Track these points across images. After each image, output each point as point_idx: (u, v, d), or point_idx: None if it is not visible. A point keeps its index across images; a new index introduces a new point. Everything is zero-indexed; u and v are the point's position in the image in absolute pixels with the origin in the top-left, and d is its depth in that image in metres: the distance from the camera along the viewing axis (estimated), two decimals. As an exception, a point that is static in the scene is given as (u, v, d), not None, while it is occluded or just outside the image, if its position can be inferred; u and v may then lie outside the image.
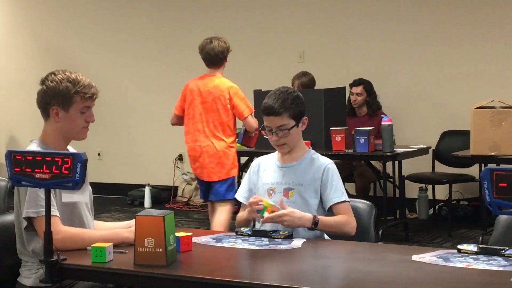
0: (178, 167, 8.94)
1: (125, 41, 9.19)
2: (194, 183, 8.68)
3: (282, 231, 3.27)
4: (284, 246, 3.11)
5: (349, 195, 3.57)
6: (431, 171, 7.53)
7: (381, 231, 6.34)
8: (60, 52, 9.51)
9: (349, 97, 7.44)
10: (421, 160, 7.27)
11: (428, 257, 2.88)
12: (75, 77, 3.18)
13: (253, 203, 3.30)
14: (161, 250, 2.75)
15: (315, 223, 3.27)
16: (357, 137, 6.41)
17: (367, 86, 7.43)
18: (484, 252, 2.88)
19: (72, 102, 3.17)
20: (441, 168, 7.47)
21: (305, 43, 8.29)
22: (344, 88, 7.24)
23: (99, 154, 9.37)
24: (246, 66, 8.53)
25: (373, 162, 7.04)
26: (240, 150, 7.34)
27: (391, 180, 7.13)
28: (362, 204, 3.59)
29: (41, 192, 3.01)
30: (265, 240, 3.19)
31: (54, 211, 3.02)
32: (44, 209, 2.86)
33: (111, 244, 2.88)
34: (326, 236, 3.43)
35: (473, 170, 7.02)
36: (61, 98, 3.16)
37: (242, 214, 3.46)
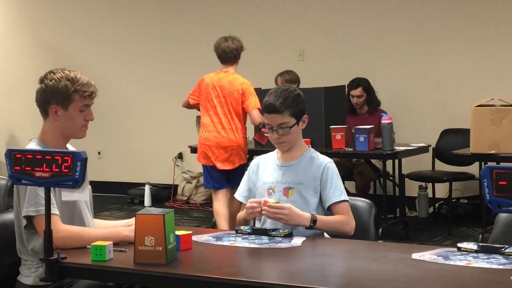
0: (178, 165, 8.94)
1: (125, 40, 9.20)
2: (194, 182, 8.69)
3: (282, 229, 3.27)
4: (284, 244, 3.11)
5: (349, 194, 3.58)
6: (431, 169, 7.53)
7: (381, 230, 6.34)
8: (60, 51, 9.52)
9: (348, 95, 7.43)
10: (421, 159, 7.28)
11: (428, 255, 2.88)
12: (74, 76, 3.18)
13: (250, 207, 3.31)
14: (161, 249, 2.75)
15: (313, 222, 3.27)
16: (357, 135, 6.41)
17: (365, 85, 7.39)
18: (484, 250, 2.88)
19: (71, 101, 3.17)
20: (441, 166, 7.47)
21: (305, 41, 8.29)
22: (344, 86, 7.24)
23: (99, 153, 9.37)
24: (246, 65, 8.50)
25: (373, 161, 7.04)
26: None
27: (391, 178, 7.14)
28: (362, 202, 3.59)
29: (40, 191, 3.01)
30: (265, 239, 3.19)
31: (54, 210, 3.02)
32: (43, 207, 2.86)
33: (111, 242, 2.88)
34: (326, 235, 3.43)
35: (473, 168, 7.02)
36: (60, 97, 3.16)
37: (241, 214, 3.47)
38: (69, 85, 3.16)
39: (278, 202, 3.28)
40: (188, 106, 6.58)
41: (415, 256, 2.88)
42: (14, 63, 9.85)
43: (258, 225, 3.46)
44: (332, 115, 6.75)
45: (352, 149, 6.49)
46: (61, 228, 3.03)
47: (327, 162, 3.47)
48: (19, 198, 3.11)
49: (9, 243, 3.21)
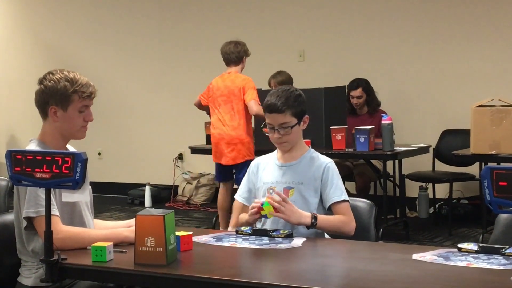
0: (178, 166, 8.94)
1: (126, 41, 9.20)
2: (194, 182, 8.69)
3: (282, 230, 3.27)
4: (285, 245, 3.11)
5: (350, 194, 3.57)
6: (431, 170, 7.53)
7: (381, 230, 6.34)
8: (61, 51, 9.52)
9: (348, 96, 7.43)
10: (421, 159, 7.28)
11: (428, 256, 2.88)
12: (73, 76, 3.18)
13: (251, 209, 3.31)
14: (161, 250, 2.75)
15: (314, 219, 3.27)
16: (357, 136, 6.41)
17: (365, 86, 7.38)
18: (485, 251, 2.88)
19: (71, 101, 3.17)
20: (441, 167, 7.47)
21: (305, 42, 8.30)
22: (344, 87, 7.24)
23: (99, 154, 9.37)
24: (246, 65, 8.51)
25: (373, 161, 7.04)
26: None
27: (391, 179, 7.13)
28: (362, 203, 3.59)
29: (40, 192, 3.01)
30: (266, 239, 3.19)
31: (54, 211, 3.02)
32: (43, 208, 2.86)
33: (111, 243, 2.88)
34: (326, 235, 3.43)
35: (473, 169, 7.02)
36: (59, 98, 3.16)
37: (243, 216, 3.46)
38: (68, 86, 3.15)
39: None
40: (200, 106, 6.88)
41: (415, 256, 2.88)
42: (15, 64, 9.85)
43: (258, 225, 3.46)
44: (332, 115, 6.75)
45: (352, 150, 6.49)
46: (62, 229, 3.03)
47: (327, 162, 3.47)
48: (19, 199, 3.11)
49: (10, 244, 3.21)
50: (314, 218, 3.28)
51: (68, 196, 3.18)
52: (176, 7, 8.93)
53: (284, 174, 3.47)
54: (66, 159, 2.71)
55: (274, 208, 3.25)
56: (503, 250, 2.85)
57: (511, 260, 2.78)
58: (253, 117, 6.65)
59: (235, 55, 6.63)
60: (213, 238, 3.24)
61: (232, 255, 3.05)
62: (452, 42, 7.69)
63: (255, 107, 6.40)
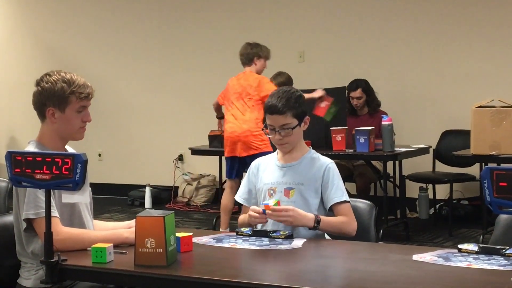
0: (178, 167, 8.94)
1: (126, 42, 9.20)
2: (195, 183, 8.69)
3: (282, 231, 3.27)
4: (285, 246, 3.11)
5: (350, 195, 3.57)
6: (431, 170, 7.53)
7: (381, 231, 6.34)
8: (61, 53, 9.52)
9: (348, 97, 7.43)
10: (421, 160, 7.28)
11: (428, 256, 2.88)
12: (70, 77, 3.18)
13: (252, 217, 3.30)
14: (161, 251, 2.75)
15: (317, 222, 3.27)
16: (357, 136, 6.41)
17: (365, 86, 7.38)
18: (485, 251, 2.88)
19: (68, 103, 3.16)
20: (441, 167, 7.47)
21: (305, 43, 8.30)
22: (344, 87, 7.24)
23: (99, 155, 9.37)
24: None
25: (373, 162, 7.04)
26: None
27: (392, 179, 7.13)
28: (362, 204, 3.59)
29: (40, 193, 3.01)
30: (266, 240, 3.19)
31: (54, 212, 3.02)
32: (43, 210, 2.86)
33: (111, 244, 2.88)
34: (326, 236, 3.43)
35: (474, 170, 7.02)
36: (57, 99, 3.15)
37: (244, 217, 3.47)
38: (65, 87, 3.15)
39: (278, 202, 3.28)
40: (217, 106, 7.10)
41: (415, 257, 2.88)
42: (15, 65, 9.85)
43: (258, 226, 3.46)
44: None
45: (352, 151, 6.49)
46: (61, 230, 3.03)
47: (328, 163, 3.47)
48: (19, 201, 3.11)
49: (9, 245, 3.20)
50: (317, 222, 3.28)
51: (68, 197, 3.17)
52: (177, 9, 8.93)
53: (285, 174, 3.47)
54: (66, 160, 2.71)
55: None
56: (503, 250, 2.85)
57: (511, 260, 2.78)
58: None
59: (244, 56, 6.80)
60: (213, 239, 3.24)
61: (232, 256, 3.05)
62: (452, 42, 7.69)
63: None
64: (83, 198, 3.26)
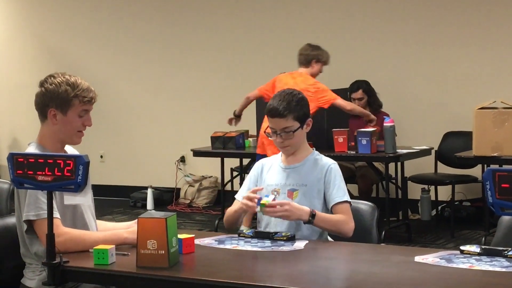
0: (180, 169, 8.95)
1: (127, 44, 9.20)
2: (197, 185, 8.69)
3: (284, 232, 3.27)
4: (287, 247, 3.11)
5: (352, 197, 3.57)
6: (433, 172, 7.53)
7: (383, 232, 6.34)
8: (63, 54, 9.53)
9: (350, 98, 7.42)
10: (423, 161, 7.27)
11: (430, 258, 2.88)
12: (75, 81, 3.18)
13: (245, 203, 3.28)
14: (163, 252, 2.75)
15: (312, 216, 3.26)
16: (359, 138, 6.41)
17: (366, 87, 7.38)
18: (487, 253, 2.88)
19: (71, 106, 3.17)
20: (443, 169, 7.46)
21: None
22: (346, 89, 7.24)
23: (101, 156, 9.37)
24: (248, 68, 8.54)
25: (375, 163, 7.03)
26: (242, 152, 7.37)
27: (394, 181, 7.12)
28: (364, 205, 3.59)
29: (41, 195, 3.01)
30: (268, 242, 3.19)
31: (55, 213, 3.02)
32: (43, 211, 2.86)
33: (113, 246, 2.88)
34: (329, 238, 3.43)
35: (476, 171, 7.02)
36: (60, 101, 3.16)
37: (231, 209, 3.44)
38: (69, 90, 3.16)
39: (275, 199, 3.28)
40: (254, 97, 6.82)
41: (418, 259, 2.88)
42: (17, 67, 9.86)
43: (260, 228, 3.46)
44: (334, 118, 6.74)
45: (354, 152, 6.49)
46: (63, 232, 3.03)
47: (330, 163, 3.47)
48: (20, 203, 3.11)
49: (12, 246, 3.21)
50: (312, 216, 3.27)
51: (70, 199, 3.18)
52: (179, 11, 8.94)
53: (288, 176, 3.47)
54: (68, 162, 2.71)
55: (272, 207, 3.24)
56: (506, 252, 2.85)
57: (514, 262, 2.78)
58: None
59: (303, 56, 6.62)
60: (215, 240, 3.24)
61: (234, 258, 3.05)
62: (454, 44, 7.69)
63: (346, 105, 6.59)
64: (85, 200, 3.26)
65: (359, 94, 7.37)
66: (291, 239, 3.22)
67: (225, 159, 7.53)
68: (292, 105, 3.40)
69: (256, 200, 3.25)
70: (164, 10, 9.01)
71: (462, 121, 7.32)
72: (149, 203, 8.57)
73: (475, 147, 6.12)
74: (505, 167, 5.88)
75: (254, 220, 5.08)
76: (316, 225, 3.32)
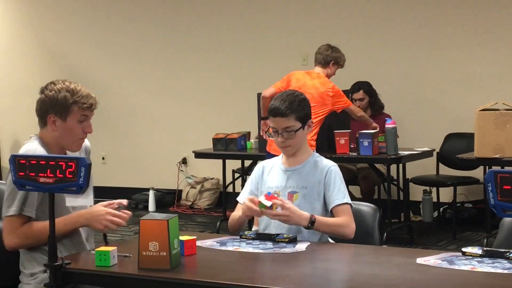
0: (182, 170, 8.94)
1: (129, 46, 9.20)
2: (198, 187, 8.69)
3: (286, 234, 3.26)
4: (288, 249, 3.11)
5: (354, 198, 3.57)
6: (435, 173, 7.52)
7: (385, 234, 6.34)
8: (65, 57, 9.53)
9: (351, 99, 7.43)
10: (425, 163, 7.27)
11: (432, 260, 2.88)
12: (74, 87, 3.19)
13: (249, 206, 3.29)
14: (165, 254, 2.75)
15: (311, 223, 3.26)
16: (361, 140, 6.41)
17: (367, 88, 7.40)
18: (489, 254, 2.87)
19: (70, 112, 3.18)
20: (445, 170, 7.46)
21: (308, 46, 8.26)
22: (347, 91, 7.24)
23: (103, 158, 9.38)
24: (249, 69, 8.54)
25: (377, 165, 7.03)
26: (244, 154, 7.37)
27: (395, 183, 7.12)
28: (366, 207, 3.58)
29: (19, 194, 3.06)
30: (269, 244, 3.19)
31: (27, 211, 3.08)
32: (12, 208, 3.02)
33: (115, 248, 2.88)
34: (330, 240, 3.43)
35: (478, 173, 7.02)
36: (59, 108, 3.17)
37: (235, 214, 3.45)
38: (68, 97, 3.16)
39: (273, 205, 3.27)
40: (270, 96, 6.47)
41: (419, 260, 2.87)
42: (18, 69, 9.87)
43: (262, 230, 3.46)
44: (336, 119, 6.74)
45: (356, 154, 6.49)
46: (20, 233, 3.08)
47: (330, 165, 3.47)
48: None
49: (10, 251, 3.20)
50: (311, 222, 3.26)
51: (71, 200, 3.18)
52: (180, 13, 8.94)
53: (289, 178, 3.47)
54: (70, 163, 2.72)
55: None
56: (508, 254, 2.84)
57: (516, 264, 2.78)
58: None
59: (322, 56, 6.55)
60: (217, 242, 3.24)
61: (236, 260, 3.05)
62: (455, 45, 7.68)
63: (355, 110, 6.63)
64: (86, 202, 3.26)
65: (360, 94, 7.38)
66: (293, 241, 3.21)
67: (226, 160, 7.53)
68: (294, 105, 3.41)
69: (258, 204, 3.26)
70: (165, 12, 9.02)
71: (464, 122, 7.32)
72: (151, 205, 8.57)
73: (477, 148, 6.12)
74: (507, 168, 5.88)
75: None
76: (316, 230, 3.32)
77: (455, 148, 7.13)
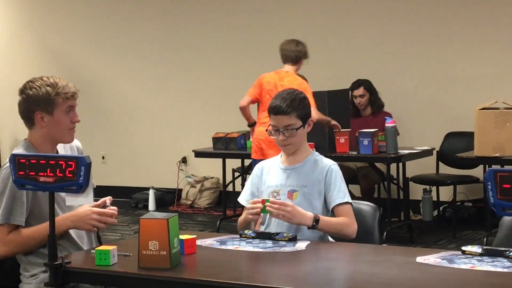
0: (182, 169, 8.95)
1: (128, 45, 9.20)
2: (198, 186, 8.69)
3: (286, 233, 3.26)
4: (288, 248, 3.11)
5: (354, 197, 3.57)
6: (435, 172, 7.53)
7: (385, 233, 6.34)
8: (65, 57, 9.53)
9: (351, 97, 7.45)
10: (425, 162, 7.27)
11: (432, 258, 2.88)
12: (53, 81, 3.21)
13: (250, 208, 3.30)
14: (165, 253, 2.75)
15: (315, 221, 3.27)
16: (361, 138, 6.41)
17: (367, 85, 7.45)
18: (489, 253, 2.88)
19: (55, 104, 3.18)
20: (445, 169, 7.46)
21: (308, 45, 8.27)
22: (347, 90, 7.25)
23: (103, 157, 9.37)
24: (249, 69, 8.53)
25: (377, 164, 7.03)
26: (244, 153, 7.36)
27: (395, 181, 7.13)
28: (366, 206, 3.59)
29: (16, 201, 3.06)
30: (269, 243, 3.19)
31: (16, 220, 3.07)
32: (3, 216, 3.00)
33: (115, 247, 2.88)
34: (330, 238, 3.43)
35: (477, 172, 7.02)
36: (44, 103, 3.18)
37: (242, 217, 3.46)
38: (50, 91, 3.18)
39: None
40: (248, 104, 6.57)
41: (419, 259, 2.88)
42: (19, 69, 9.85)
43: (262, 229, 3.46)
44: (335, 118, 6.74)
45: (356, 153, 6.49)
46: (8, 240, 3.07)
47: (330, 164, 3.47)
48: None
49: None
50: (316, 221, 3.27)
51: (71, 200, 3.18)
52: (180, 12, 8.94)
53: (288, 177, 3.47)
54: (69, 163, 2.72)
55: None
56: (507, 252, 2.85)
57: (515, 262, 2.78)
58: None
59: (294, 54, 6.53)
60: (217, 241, 3.24)
61: (236, 259, 3.05)
62: (456, 44, 7.68)
63: (315, 114, 6.20)
64: (86, 201, 3.26)
65: (360, 91, 7.42)
66: (293, 240, 3.21)
67: (226, 160, 7.54)
68: (295, 103, 3.42)
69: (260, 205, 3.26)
70: (165, 11, 9.02)
71: (463, 121, 7.32)
72: (151, 204, 8.57)
73: (476, 147, 6.12)
74: (506, 167, 5.88)
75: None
76: (320, 230, 3.32)
77: (455, 147, 7.13)
